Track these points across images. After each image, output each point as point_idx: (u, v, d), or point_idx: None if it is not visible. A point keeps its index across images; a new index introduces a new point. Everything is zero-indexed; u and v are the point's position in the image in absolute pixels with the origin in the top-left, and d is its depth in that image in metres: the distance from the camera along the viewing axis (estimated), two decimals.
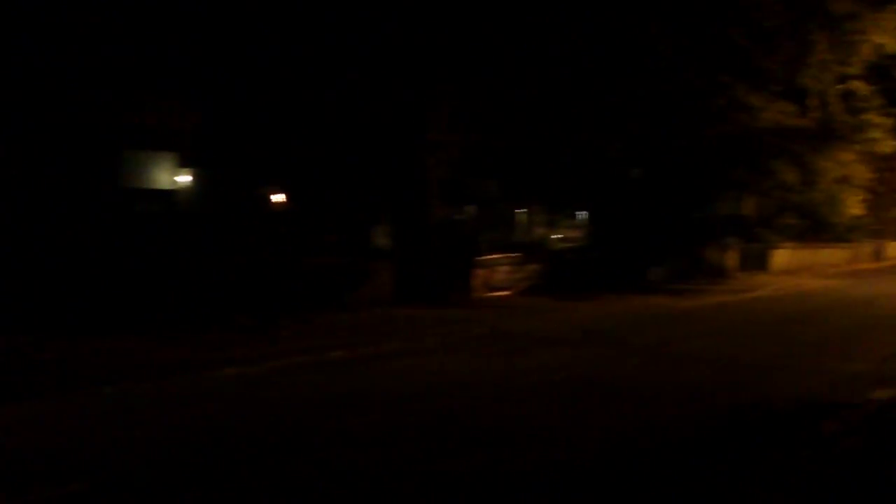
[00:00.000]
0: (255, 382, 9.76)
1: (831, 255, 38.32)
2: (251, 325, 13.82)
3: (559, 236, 29.83)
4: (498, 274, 20.53)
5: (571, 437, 7.38)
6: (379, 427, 7.65)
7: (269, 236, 17.85)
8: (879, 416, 7.81)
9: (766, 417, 8.30)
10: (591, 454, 6.83)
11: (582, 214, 29.52)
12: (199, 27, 16.53)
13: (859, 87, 24.58)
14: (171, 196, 18.66)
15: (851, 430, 7.62)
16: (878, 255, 43.86)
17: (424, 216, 19.25)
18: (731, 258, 30.18)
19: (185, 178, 18.95)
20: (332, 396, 8.99)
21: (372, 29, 17.17)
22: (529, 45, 19.03)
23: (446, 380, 10.02)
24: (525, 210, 29.39)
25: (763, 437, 7.53)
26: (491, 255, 20.94)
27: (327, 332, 13.76)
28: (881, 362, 11.53)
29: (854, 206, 30.04)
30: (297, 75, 17.52)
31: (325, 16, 16.96)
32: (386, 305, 16.82)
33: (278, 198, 20.69)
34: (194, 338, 12.50)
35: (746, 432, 7.68)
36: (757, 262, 31.36)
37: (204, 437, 7.21)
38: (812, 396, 9.21)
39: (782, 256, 33.33)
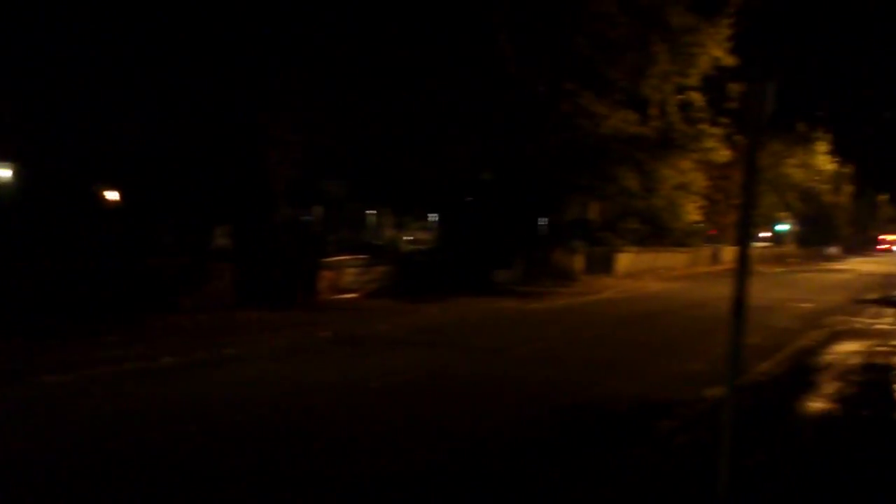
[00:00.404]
0: (77, 391, 8.99)
1: (672, 259, 39.95)
2: (73, 329, 12.79)
3: (409, 238, 29.76)
4: (345, 276, 20.08)
5: (410, 442, 7.16)
6: (205, 438, 7.14)
7: (98, 235, 16.71)
8: (712, 413, 7.93)
9: (605, 416, 8.35)
10: (431, 457, 6.68)
11: (434, 217, 29.52)
12: (16, 14, 15.30)
13: (696, 98, 25.61)
14: None
15: (685, 428, 7.73)
16: (715, 259, 46.14)
17: (269, 215, 18.65)
18: (578, 261, 30.88)
19: (3, 173, 17.53)
20: (159, 406, 8.34)
21: (209, 22, 16.41)
22: (373, 48, 18.75)
23: (286, 386, 9.55)
24: (375, 212, 29.13)
25: (600, 435, 7.55)
26: (338, 256, 20.49)
27: (160, 336, 12.93)
28: (716, 362, 11.84)
29: (692, 212, 31.41)
30: (130, 66, 16.52)
31: (162, 4, 16.09)
32: (226, 308, 16.08)
33: (112, 195, 19.48)
34: (5, 345, 11.42)
35: (584, 432, 7.70)
36: (602, 265, 32.21)
37: (16, 455, 6.53)
38: (650, 395, 9.35)
39: (626, 260, 34.43)
